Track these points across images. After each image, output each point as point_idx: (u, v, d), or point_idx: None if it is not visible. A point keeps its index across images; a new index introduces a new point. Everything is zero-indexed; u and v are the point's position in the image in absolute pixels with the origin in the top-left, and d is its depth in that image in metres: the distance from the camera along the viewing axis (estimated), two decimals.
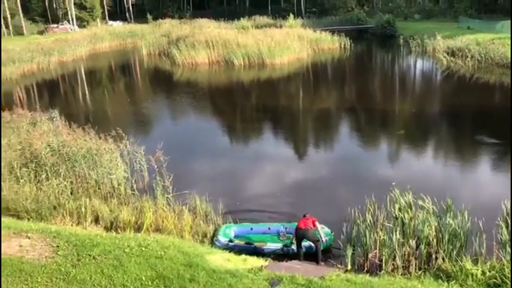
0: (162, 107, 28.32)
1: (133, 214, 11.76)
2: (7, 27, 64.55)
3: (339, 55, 44.03)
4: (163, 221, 11.33)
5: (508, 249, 9.04)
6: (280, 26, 53.60)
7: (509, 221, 9.72)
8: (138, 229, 11.14)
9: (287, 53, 38.97)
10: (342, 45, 45.78)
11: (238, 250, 10.10)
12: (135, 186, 13.81)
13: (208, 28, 49.34)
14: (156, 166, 13.50)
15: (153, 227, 11.24)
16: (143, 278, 8.13)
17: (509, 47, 33.57)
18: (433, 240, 9.71)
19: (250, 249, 10.29)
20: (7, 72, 37.51)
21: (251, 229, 11.28)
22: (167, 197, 12.65)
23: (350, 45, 45.63)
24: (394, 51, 48.24)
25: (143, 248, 9.19)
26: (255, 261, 9.12)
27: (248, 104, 27.80)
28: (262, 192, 13.80)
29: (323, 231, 10.49)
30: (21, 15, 67.26)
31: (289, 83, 33.80)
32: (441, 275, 8.87)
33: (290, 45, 40.13)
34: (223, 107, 27.76)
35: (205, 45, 40.09)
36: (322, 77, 36.84)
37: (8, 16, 64.48)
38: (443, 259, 9.38)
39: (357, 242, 10.31)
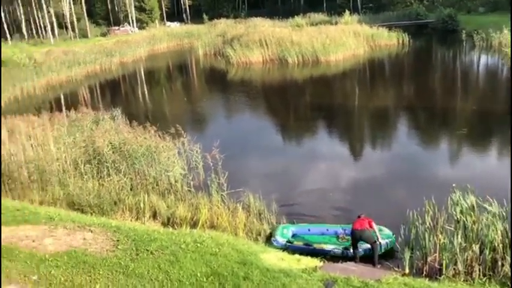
0: (217, 106, 28.76)
1: (189, 210, 12.04)
2: (73, 30, 68.12)
3: (396, 51, 42.69)
4: (218, 218, 11.50)
5: None
6: (336, 23, 52.78)
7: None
8: (194, 225, 11.38)
9: (342, 50, 38.31)
10: (400, 41, 44.34)
11: (296, 251, 9.95)
12: (191, 183, 14.11)
13: (263, 27, 49.46)
14: (211, 164, 13.70)
15: (208, 224, 11.44)
16: (198, 274, 8.28)
17: None
18: (498, 245, 9.17)
19: (309, 251, 10.08)
20: (72, 73, 39.58)
21: (308, 230, 11.15)
22: (222, 195, 12.83)
23: (408, 41, 44.10)
24: (455, 47, 46.09)
25: (198, 244, 9.36)
26: (309, 262, 9.03)
27: (302, 102, 27.62)
28: (317, 192, 13.64)
29: (383, 233, 10.20)
30: (86, 18, 70.74)
31: (345, 80, 33.23)
32: (508, 282, 8.39)
33: (345, 41, 39.44)
34: (277, 105, 27.78)
35: (259, 44, 40.23)
36: (379, 73, 35.92)
37: (75, 20, 68.08)
38: (510, 266, 8.85)
39: (415, 245, 9.95)
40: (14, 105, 30.35)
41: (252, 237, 10.84)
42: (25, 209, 11.77)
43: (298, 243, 10.54)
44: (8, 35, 60.52)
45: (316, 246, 10.34)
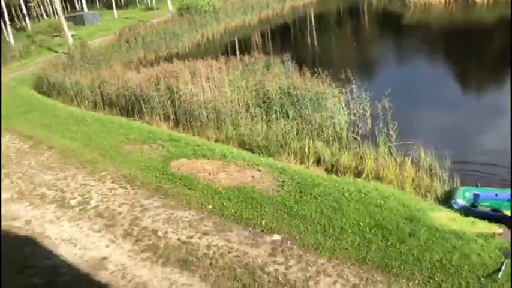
0: (389, 51, 27.15)
1: (353, 159, 11.82)
2: None
3: None
4: (383, 170, 11.04)
5: None
6: None
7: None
8: (358, 175, 11.13)
9: None
10: None
11: (477, 216, 8.74)
12: (357, 131, 13.76)
13: None
14: (380, 113, 13.09)
15: (372, 175, 11.07)
16: (361, 224, 8.15)
17: None
18: None
19: (498, 218, 8.71)
20: (246, 18, 41.31)
21: (496, 195, 9.88)
22: (389, 146, 12.26)
23: None
24: None
25: (362, 195, 9.17)
26: (485, 226, 8.12)
27: (489, 48, 24.26)
28: (500, 152, 12.04)
29: None
30: None
31: None
32: None
33: None
34: (458, 51, 24.89)
35: None
36: None
37: None
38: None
39: None
40: (195, 49, 33.24)
41: (421, 194, 10.15)
42: (203, 144, 12.97)
43: (485, 208, 9.43)
44: None
45: (506, 213, 9.09)
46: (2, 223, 9.76)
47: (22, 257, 8.46)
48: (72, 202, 10.43)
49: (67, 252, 8.43)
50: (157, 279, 7.36)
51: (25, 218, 9.93)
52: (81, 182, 11.47)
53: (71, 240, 8.85)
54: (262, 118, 14.65)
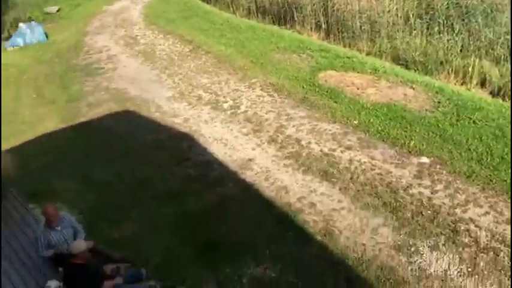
0: None
1: None
2: None
3: None
4: None
5: None
6: None
7: None
8: None
9: None
10: None
11: None
12: None
13: None
14: None
15: None
16: None
17: None
18: None
19: None
20: None
21: None
22: None
23: None
24: None
25: None
26: None
27: None
28: None
29: None
30: None
31: None
32: None
33: None
34: None
35: None
36: None
37: None
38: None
39: None
40: None
41: None
42: (354, 57, 12.45)
43: None
44: None
45: None
46: (166, 119, 10.88)
47: (181, 151, 9.42)
48: (225, 105, 11.08)
49: (218, 151, 9.13)
50: (297, 185, 7.61)
51: (184, 116, 10.90)
52: (233, 88, 12.04)
53: (222, 140, 9.52)
54: (422, 31, 13.31)
